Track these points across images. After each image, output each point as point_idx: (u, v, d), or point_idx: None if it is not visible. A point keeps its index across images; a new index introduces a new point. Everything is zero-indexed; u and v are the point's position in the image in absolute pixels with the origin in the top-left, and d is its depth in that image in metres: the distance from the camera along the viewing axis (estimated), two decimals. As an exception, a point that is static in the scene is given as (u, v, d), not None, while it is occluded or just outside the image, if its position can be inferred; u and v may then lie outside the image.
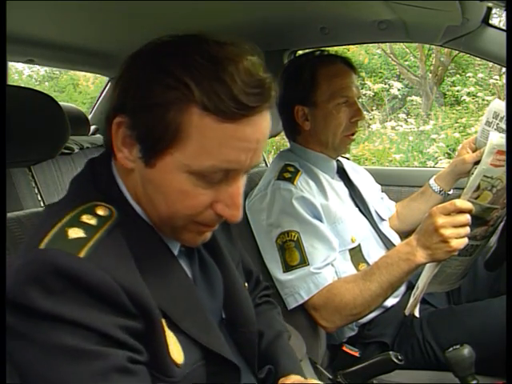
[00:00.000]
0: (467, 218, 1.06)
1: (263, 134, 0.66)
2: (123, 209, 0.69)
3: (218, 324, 0.77)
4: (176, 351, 0.65)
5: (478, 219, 1.11)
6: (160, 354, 0.63)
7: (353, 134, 1.44)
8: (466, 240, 1.06)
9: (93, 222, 0.63)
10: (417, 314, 1.19)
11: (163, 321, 0.64)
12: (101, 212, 0.65)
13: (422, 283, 1.15)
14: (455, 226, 1.05)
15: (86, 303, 0.57)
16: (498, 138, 1.04)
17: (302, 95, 1.42)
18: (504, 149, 1.02)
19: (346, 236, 1.36)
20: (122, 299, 0.59)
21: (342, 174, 1.52)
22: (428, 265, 1.14)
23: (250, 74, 0.63)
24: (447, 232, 1.05)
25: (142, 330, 0.61)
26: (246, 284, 0.93)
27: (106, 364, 0.56)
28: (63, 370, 0.55)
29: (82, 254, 0.58)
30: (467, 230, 1.06)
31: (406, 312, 1.20)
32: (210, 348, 0.69)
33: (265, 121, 0.66)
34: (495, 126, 1.19)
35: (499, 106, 1.19)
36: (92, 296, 0.57)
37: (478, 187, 1.06)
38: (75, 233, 0.61)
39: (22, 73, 7.96)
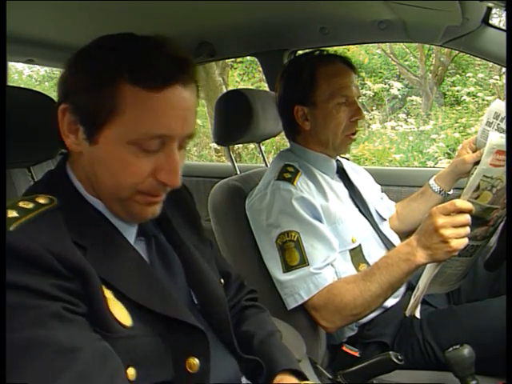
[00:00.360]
0: (467, 218, 1.05)
1: (187, 104, 0.76)
2: (71, 197, 0.78)
3: (189, 308, 0.82)
4: (121, 315, 0.71)
5: (478, 219, 1.11)
6: (100, 311, 0.69)
7: (353, 134, 1.43)
8: (466, 240, 1.06)
9: (29, 206, 0.71)
10: (417, 314, 1.19)
11: (111, 291, 0.71)
12: (41, 200, 0.73)
13: (422, 284, 1.15)
14: (455, 226, 1.05)
15: (21, 268, 0.64)
16: (497, 138, 1.04)
17: (302, 95, 1.42)
18: (504, 149, 1.02)
19: (347, 236, 1.36)
20: (51, 262, 0.65)
21: (342, 174, 1.52)
22: (428, 265, 1.14)
23: (171, 53, 0.74)
24: (447, 232, 1.05)
25: (77, 289, 0.67)
26: (222, 281, 0.99)
27: (43, 312, 0.63)
28: (11, 324, 0.61)
29: (10, 229, 0.66)
30: (467, 230, 1.06)
31: (407, 313, 1.20)
32: (167, 314, 0.75)
33: (188, 92, 0.76)
34: (496, 127, 1.19)
35: (500, 106, 1.19)
36: (23, 261, 0.64)
37: (478, 187, 1.06)
38: (10, 214, 0.69)
39: (22, 73, 7.95)
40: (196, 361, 0.77)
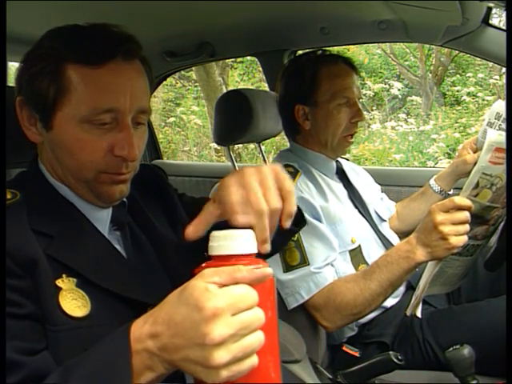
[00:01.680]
0: (466, 215, 1.05)
1: (132, 78, 0.78)
2: (41, 188, 0.81)
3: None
4: (77, 305, 0.72)
5: (478, 218, 1.11)
6: (48, 304, 0.70)
7: (352, 135, 1.44)
8: (465, 238, 1.06)
9: None
10: (419, 314, 1.19)
11: (73, 279, 0.73)
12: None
13: (422, 283, 1.15)
14: (454, 223, 1.05)
15: None
16: (496, 136, 1.04)
17: (303, 94, 1.42)
18: (503, 146, 1.01)
19: (346, 237, 1.36)
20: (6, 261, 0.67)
21: (342, 175, 1.52)
22: (429, 264, 1.14)
23: (109, 31, 0.78)
24: (446, 229, 1.05)
25: (26, 287, 0.68)
26: None
27: None
28: None
29: None
30: (467, 227, 1.06)
31: (408, 312, 1.20)
32: (132, 297, 0.75)
33: (130, 66, 0.78)
34: (497, 127, 1.19)
35: (502, 106, 1.18)
36: None
37: (477, 185, 1.06)
38: None
39: (22, 73, 7.96)
40: None
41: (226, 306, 0.52)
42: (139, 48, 0.81)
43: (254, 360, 0.54)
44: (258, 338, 0.54)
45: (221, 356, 0.51)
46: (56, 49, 0.76)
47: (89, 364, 0.60)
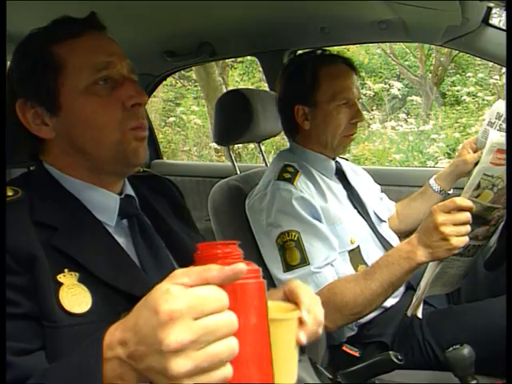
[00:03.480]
0: (467, 215, 1.05)
1: (110, 43, 0.85)
2: (45, 183, 0.82)
3: None
4: (77, 301, 0.72)
5: (479, 219, 1.11)
6: (46, 301, 0.69)
7: (351, 135, 1.44)
8: (466, 238, 1.06)
9: None
10: (419, 315, 1.19)
11: (75, 274, 0.73)
12: (6, 192, 0.77)
13: (423, 283, 1.15)
14: (455, 224, 1.05)
15: None
16: (497, 137, 1.03)
17: (303, 94, 1.41)
18: (504, 147, 1.01)
19: (345, 237, 1.36)
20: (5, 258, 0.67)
21: (341, 175, 1.52)
22: (430, 265, 1.13)
23: (72, 18, 0.86)
24: (447, 230, 1.05)
25: (24, 284, 0.68)
26: None
27: None
28: None
29: None
30: (468, 228, 1.06)
31: (409, 313, 1.19)
32: (134, 293, 0.73)
33: (104, 35, 0.86)
34: (498, 127, 1.19)
35: (503, 106, 1.18)
36: None
37: (479, 186, 1.06)
38: None
39: (22, 73, 7.96)
40: None
41: (185, 308, 0.47)
42: (103, 26, 0.88)
43: (226, 371, 0.48)
44: (228, 346, 0.48)
45: (180, 365, 0.46)
46: (37, 39, 0.83)
47: (64, 369, 0.58)
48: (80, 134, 0.81)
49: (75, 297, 0.72)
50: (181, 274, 0.50)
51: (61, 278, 0.72)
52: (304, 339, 0.68)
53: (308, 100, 1.41)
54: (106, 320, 0.70)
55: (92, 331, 0.67)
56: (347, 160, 1.75)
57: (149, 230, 0.88)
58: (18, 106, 0.81)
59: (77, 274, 0.73)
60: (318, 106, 1.40)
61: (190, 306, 0.47)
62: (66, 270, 0.73)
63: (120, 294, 0.75)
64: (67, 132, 0.81)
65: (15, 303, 0.68)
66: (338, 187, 1.48)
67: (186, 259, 0.87)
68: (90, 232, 0.79)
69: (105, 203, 0.84)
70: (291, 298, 0.77)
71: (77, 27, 0.83)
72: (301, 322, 0.69)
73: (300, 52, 1.91)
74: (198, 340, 0.47)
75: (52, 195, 0.80)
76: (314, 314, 0.75)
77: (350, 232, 1.37)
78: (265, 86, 2.22)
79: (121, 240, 0.83)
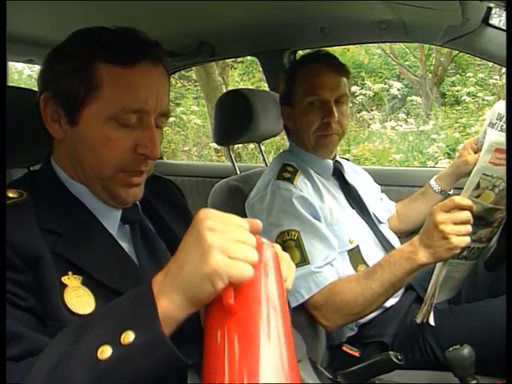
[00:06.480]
0: (467, 214, 1.05)
1: (159, 80, 0.82)
2: (52, 186, 0.82)
3: None
4: (82, 303, 0.72)
5: (481, 220, 1.10)
6: (51, 301, 0.70)
7: (328, 135, 1.41)
8: (467, 238, 1.06)
9: None
10: (431, 321, 1.18)
11: (79, 277, 0.74)
12: (10, 194, 0.77)
13: (431, 289, 1.14)
14: (455, 223, 1.05)
15: None
16: (496, 136, 1.02)
17: (286, 95, 1.46)
18: (503, 147, 1.00)
19: (344, 237, 1.36)
20: (9, 255, 0.68)
21: (339, 175, 1.51)
22: (435, 269, 1.13)
23: (139, 34, 0.81)
24: (447, 228, 1.05)
25: (29, 282, 0.69)
26: None
27: None
28: None
29: None
30: (468, 227, 1.05)
31: (418, 320, 1.19)
32: None
33: (157, 69, 0.82)
34: (499, 128, 1.18)
35: (504, 107, 1.18)
36: None
37: (478, 186, 1.05)
38: None
39: (22, 73, 7.94)
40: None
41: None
42: (164, 53, 0.84)
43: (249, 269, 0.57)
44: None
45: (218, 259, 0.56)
46: (88, 47, 0.78)
47: (115, 309, 0.62)
48: (86, 151, 0.80)
49: (79, 298, 0.73)
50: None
51: (65, 280, 0.73)
52: None
53: (289, 100, 1.45)
54: None
55: None
56: (348, 160, 1.75)
57: (151, 236, 0.88)
58: (42, 98, 0.81)
59: (80, 278, 0.74)
60: (295, 106, 1.43)
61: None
62: (70, 273, 0.73)
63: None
64: (75, 144, 0.81)
65: (21, 297, 0.68)
66: (335, 187, 1.48)
67: None
68: (94, 238, 0.79)
69: (107, 213, 0.84)
70: None
71: (132, 55, 0.79)
72: None
73: (300, 53, 1.92)
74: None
75: (57, 199, 0.80)
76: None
77: (349, 232, 1.37)
78: (265, 86, 2.22)
79: (123, 245, 0.84)
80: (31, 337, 0.65)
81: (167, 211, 0.96)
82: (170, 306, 0.58)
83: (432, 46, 5.55)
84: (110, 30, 0.82)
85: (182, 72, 6.04)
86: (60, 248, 0.74)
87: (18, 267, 0.69)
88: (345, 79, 1.43)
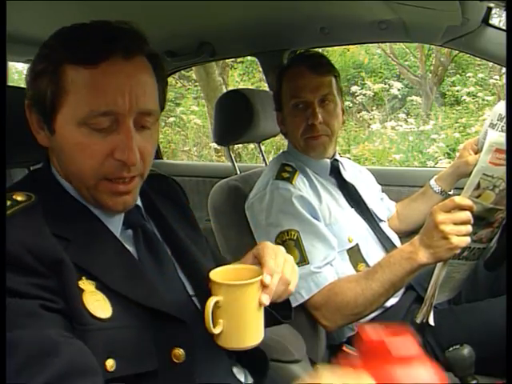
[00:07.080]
0: (467, 214, 1.05)
1: (132, 77, 0.74)
2: (54, 191, 0.79)
3: (181, 298, 0.83)
4: (99, 307, 0.71)
5: (482, 220, 1.10)
6: (74, 304, 0.69)
7: (316, 137, 1.40)
8: (468, 239, 1.06)
9: (7, 204, 0.72)
10: (431, 322, 1.18)
11: (92, 283, 0.72)
12: (18, 198, 0.73)
13: (431, 289, 1.14)
14: (455, 223, 1.05)
15: (9, 270, 0.65)
16: (496, 136, 1.02)
17: (275, 99, 1.48)
18: (503, 147, 1.00)
19: (343, 236, 1.36)
20: (29, 260, 0.66)
21: (337, 174, 1.51)
22: (436, 269, 1.13)
23: (108, 28, 0.75)
24: (447, 228, 1.05)
25: (53, 286, 0.68)
26: None
27: (20, 311, 0.63)
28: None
29: None
30: (468, 227, 1.05)
31: (418, 320, 1.19)
32: (149, 305, 0.75)
33: (131, 65, 0.74)
34: (500, 128, 1.18)
35: (504, 108, 1.18)
36: (10, 263, 0.65)
37: (479, 186, 1.05)
38: None
39: (22, 73, 7.93)
40: (181, 351, 0.76)
41: None
42: (142, 43, 0.77)
43: None
44: None
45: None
46: (55, 49, 0.75)
47: None
48: (66, 159, 0.77)
49: (98, 302, 0.72)
50: None
51: (81, 284, 0.71)
52: (266, 301, 0.73)
53: (278, 104, 1.47)
54: (127, 326, 0.72)
55: (117, 336, 0.69)
56: (349, 159, 1.75)
57: (154, 240, 0.86)
58: (26, 106, 0.79)
59: (94, 283, 0.73)
60: (282, 109, 1.45)
61: None
62: (83, 278, 0.72)
63: (134, 302, 0.75)
64: (57, 152, 0.78)
65: (51, 300, 0.67)
66: (333, 186, 1.48)
67: (192, 269, 0.87)
68: (101, 242, 0.78)
69: (108, 218, 0.82)
70: (259, 261, 0.78)
71: (95, 53, 0.72)
72: (264, 284, 0.73)
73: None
74: None
75: (62, 203, 0.78)
76: (280, 274, 0.77)
77: (348, 231, 1.37)
78: (265, 86, 2.22)
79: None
80: (66, 351, 0.63)
81: (169, 210, 0.94)
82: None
83: (432, 46, 5.55)
84: (84, 26, 0.76)
85: (182, 72, 6.04)
86: (69, 254, 0.71)
87: (40, 272, 0.67)
88: (329, 78, 1.41)
